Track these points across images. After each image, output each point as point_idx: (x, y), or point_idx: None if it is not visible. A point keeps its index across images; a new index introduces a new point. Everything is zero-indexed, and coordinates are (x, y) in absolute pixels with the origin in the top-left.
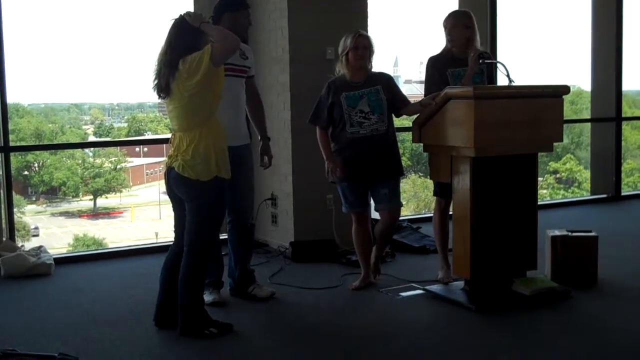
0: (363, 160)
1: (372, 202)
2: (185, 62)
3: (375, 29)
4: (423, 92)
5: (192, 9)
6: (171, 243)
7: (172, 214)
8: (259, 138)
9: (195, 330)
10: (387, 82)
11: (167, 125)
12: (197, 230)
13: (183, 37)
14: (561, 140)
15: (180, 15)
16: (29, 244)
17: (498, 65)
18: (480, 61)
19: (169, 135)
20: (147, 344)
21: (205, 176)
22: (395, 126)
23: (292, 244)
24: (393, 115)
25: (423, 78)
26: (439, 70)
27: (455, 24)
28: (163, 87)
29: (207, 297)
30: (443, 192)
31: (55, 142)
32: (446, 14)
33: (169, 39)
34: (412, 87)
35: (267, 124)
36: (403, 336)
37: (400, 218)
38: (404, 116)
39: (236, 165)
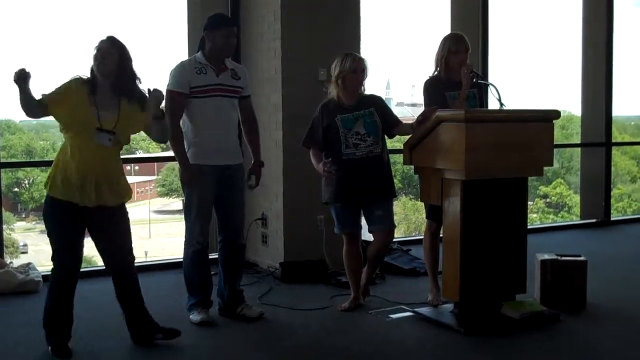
0: (358, 182)
1: (363, 223)
2: None
3: (367, 51)
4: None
5: (186, 25)
6: (160, 262)
7: (160, 232)
8: (252, 160)
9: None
10: (379, 104)
11: (159, 144)
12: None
13: None
14: (551, 164)
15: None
16: (18, 261)
17: (490, 87)
18: (474, 79)
19: (160, 154)
20: None
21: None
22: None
23: (281, 264)
24: (386, 136)
25: (415, 101)
26: (437, 92)
27: (459, 49)
28: None
29: (195, 317)
30: (434, 214)
31: (46, 159)
32: (445, 38)
33: None
34: (404, 110)
35: (261, 147)
36: (391, 358)
37: None
38: (395, 138)
39: (226, 185)
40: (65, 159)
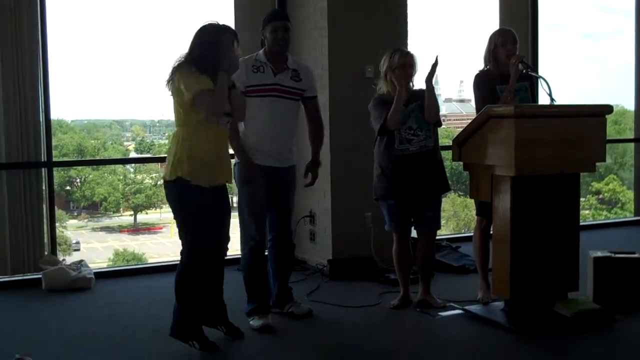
0: (412, 179)
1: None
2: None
3: (415, 48)
4: (474, 111)
5: (233, 25)
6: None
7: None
8: (311, 157)
9: (181, 336)
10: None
11: None
12: (183, 237)
13: (204, 49)
14: (604, 160)
15: (210, 23)
16: (70, 258)
17: (540, 81)
18: (524, 70)
19: None
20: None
21: (169, 176)
22: None
23: (330, 261)
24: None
25: (463, 96)
26: (488, 86)
27: (506, 40)
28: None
29: (255, 323)
30: (484, 211)
31: (97, 157)
32: (492, 34)
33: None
34: (452, 106)
35: (321, 148)
36: (441, 357)
37: (440, 237)
38: (443, 134)
39: (277, 186)
40: (200, 146)
